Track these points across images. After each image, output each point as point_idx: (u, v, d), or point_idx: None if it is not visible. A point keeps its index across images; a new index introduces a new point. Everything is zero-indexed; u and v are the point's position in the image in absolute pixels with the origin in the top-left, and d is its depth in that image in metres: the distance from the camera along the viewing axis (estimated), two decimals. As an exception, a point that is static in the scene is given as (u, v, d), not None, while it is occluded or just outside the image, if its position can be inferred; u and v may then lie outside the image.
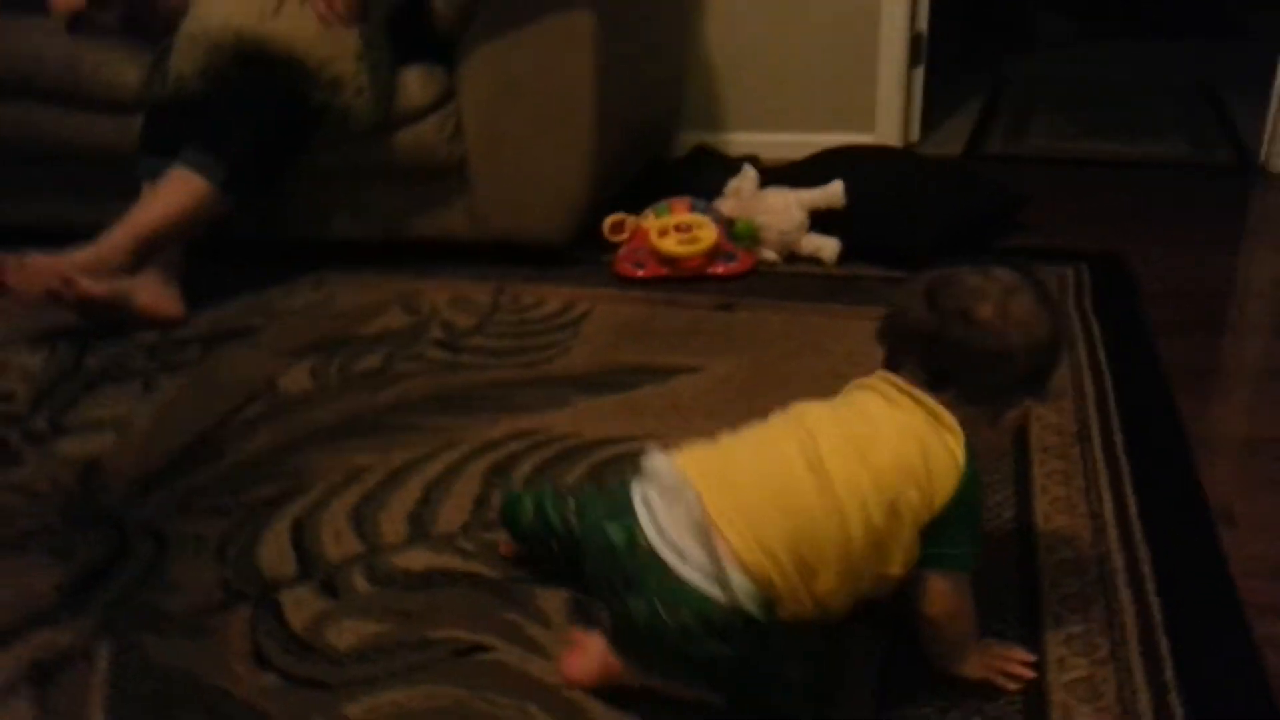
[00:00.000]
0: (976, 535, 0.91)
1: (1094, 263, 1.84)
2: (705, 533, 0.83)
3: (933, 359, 0.90)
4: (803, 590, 0.84)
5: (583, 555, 0.93)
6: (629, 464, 0.95)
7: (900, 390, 0.91)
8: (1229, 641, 0.95)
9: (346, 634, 1.00)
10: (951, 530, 0.87)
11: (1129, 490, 1.17)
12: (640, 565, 0.84)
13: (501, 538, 1.11)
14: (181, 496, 1.25)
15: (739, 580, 0.82)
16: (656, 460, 0.90)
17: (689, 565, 0.83)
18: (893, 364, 0.95)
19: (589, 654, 0.91)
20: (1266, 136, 2.44)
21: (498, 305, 1.79)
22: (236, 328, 1.74)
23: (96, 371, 1.60)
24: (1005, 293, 0.89)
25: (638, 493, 0.89)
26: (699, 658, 0.83)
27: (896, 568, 0.87)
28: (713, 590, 0.82)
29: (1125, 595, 1.00)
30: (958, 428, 0.88)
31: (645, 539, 0.85)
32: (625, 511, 0.87)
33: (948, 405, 0.89)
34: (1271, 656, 0.93)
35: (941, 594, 0.88)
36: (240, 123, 1.76)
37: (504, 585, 1.06)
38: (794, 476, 0.86)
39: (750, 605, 0.82)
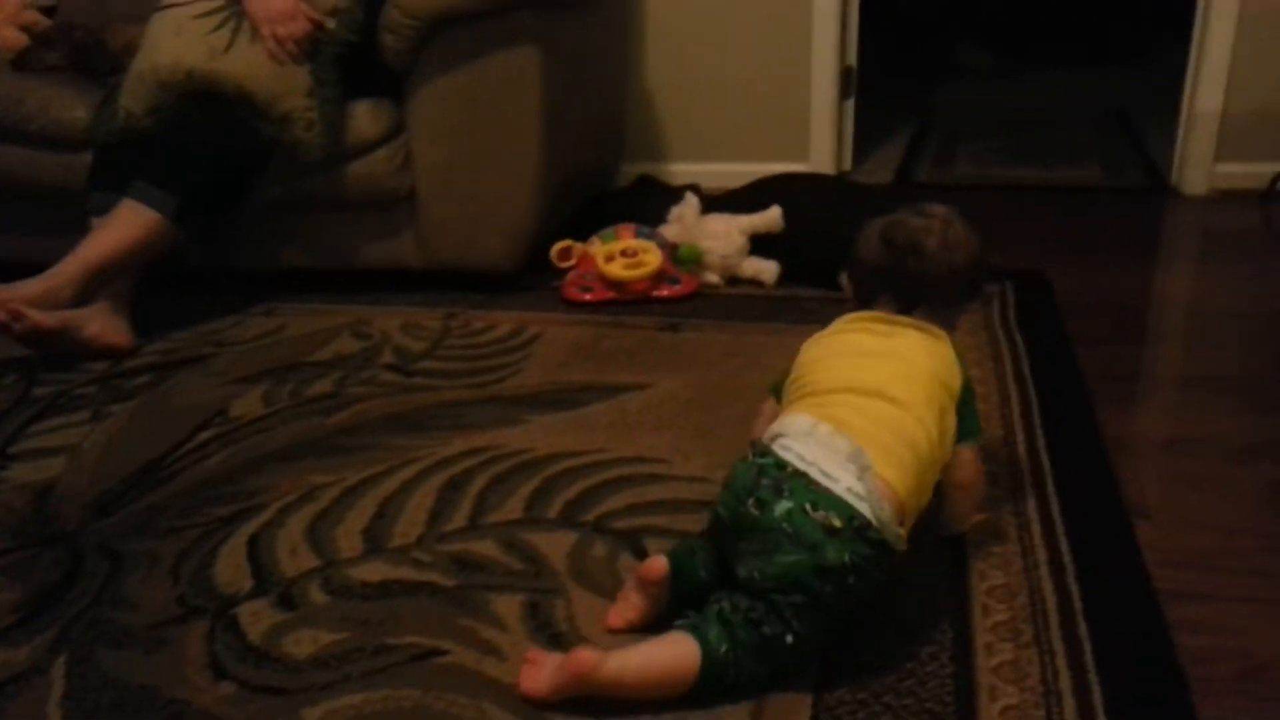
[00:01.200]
0: (977, 411, 1.12)
1: (1017, 280, 1.94)
2: (858, 462, 0.96)
3: (898, 290, 1.11)
4: (913, 511, 0.99)
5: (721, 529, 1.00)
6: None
7: (888, 321, 1.10)
8: (1143, 625, 1.02)
9: (304, 643, 1.02)
10: (966, 410, 1.08)
11: (1051, 489, 1.24)
12: (790, 476, 0.96)
13: (614, 608, 1.04)
14: (136, 517, 1.27)
15: (883, 504, 0.94)
16: (794, 418, 1.02)
17: (839, 485, 0.94)
18: (866, 302, 1.14)
19: (544, 669, 0.94)
20: (1176, 160, 2.58)
21: (449, 330, 1.83)
22: (188, 356, 1.75)
23: (45, 401, 1.61)
24: (944, 225, 1.12)
25: (774, 447, 0.99)
26: (829, 556, 0.92)
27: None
28: (860, 506, 0.93)
29: (1048, 585, 1.07)
30: (941, 331, 1.10)
31: (794, 464, 0.96)
32: (767, 453, 0.99)
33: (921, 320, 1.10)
34: (1182, 637, 1.00)
35: (970, 461, 1.10)
36: (191, 157, 1.79)
37: (460, 593, 1.09)
38: (891, 414, 1.01)
39: (889, 524, 0.95)
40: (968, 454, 1.09)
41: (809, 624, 0.93)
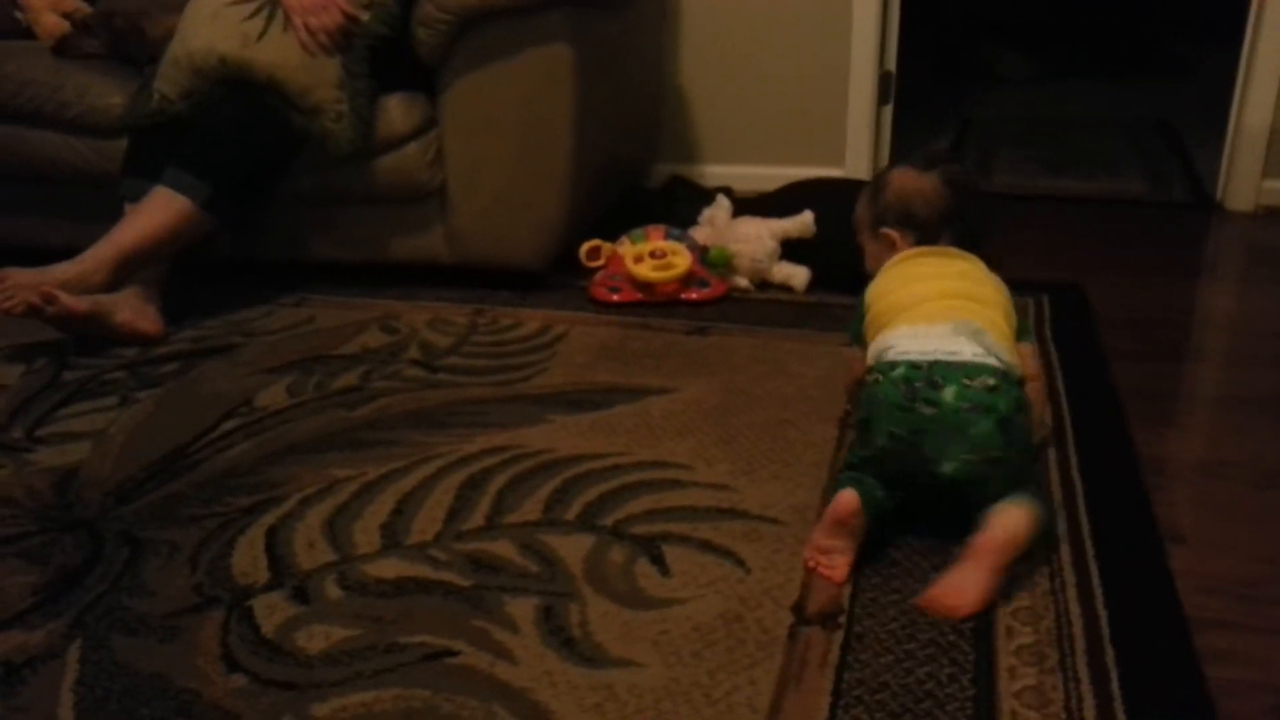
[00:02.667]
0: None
1: (1055, 293, 1.90)
2: (964, 332, 1.14)
3: (957, 228, 1.32)
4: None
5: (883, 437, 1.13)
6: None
7: (942, 254, 1.29)
8: (1172, 654, 0.99)
9: (317, 638, 1.02)
10: (1017, 316, 1.26)
11: (1082, 509, 1.21)
12: (930, 367, 1.11)
13: (825, 567, 1.09)
14: (157, 505, 1.27)
15: (1003, 347, 1.14)
16: (892, 331, 1.18)
17: (966, 353, 1.12)
18: (931, 239, 1.32)
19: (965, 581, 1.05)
20: (1222, 174, 2.52)
21: (475, 327, 1.82)
22: (216, 346, 1.76)
23: (74, 385, 1.62)
24: (968, 168, 1.36)
25: (897, 358, 1.14)
26: (1002, 408, 1.09)
27: None
28: (991, 360, 1.11)
29: (1075, 609, 1.04)
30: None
31: (924, 359, 1.12)
32: (896, 365, 1.13)
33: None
34: (1211, 669, 0.97)
35: (1031, 355, 1.28)
36: (223, 144, 1.80)
37: (474, 593, 1.08)
38: (975, 306, 1.20)
39: (1014, 364, 1.14)
40: (1028, 349, 1.27)
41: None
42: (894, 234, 1.34)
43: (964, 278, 1.25)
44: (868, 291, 1.30)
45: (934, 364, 1.11)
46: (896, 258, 1.31)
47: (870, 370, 1.18)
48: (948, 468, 1.09)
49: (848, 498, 1.08)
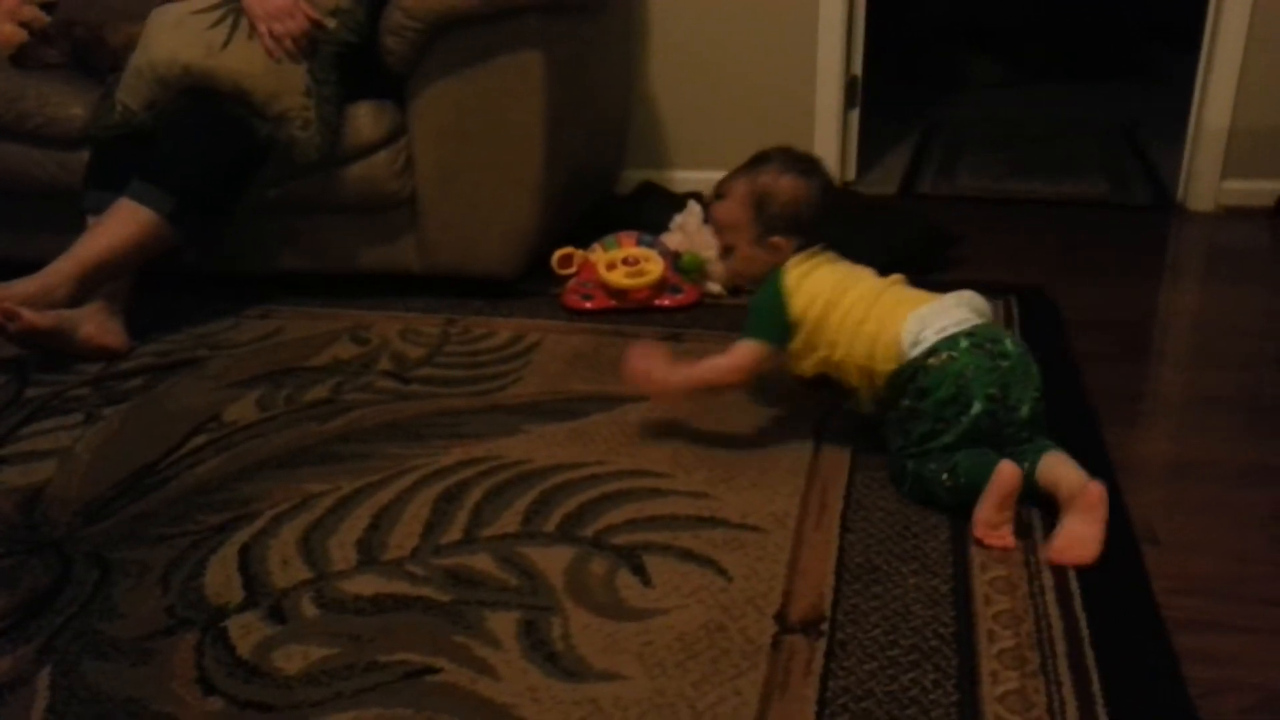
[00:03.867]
0: None
1: (1022, 296, 1.92)
2: (966, 303, 1.29)
3: (827, 230, 1.40)
4: None
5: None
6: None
7: (838, 257, 1.40)
8: (1151, 654, 1.00)
9: (295, 658, 1.00)
10: None
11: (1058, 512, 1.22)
12: (976, 328, 1.25)
13: (998, 539, 1.17)
14: (126, 524, 1.24)
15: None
16: (917, 315, 1.27)
17: (979, 316, 1.27)
18: (812, 242, 1.38)
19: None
20: (1183, 176, 2.56)
21: (448, 337, 1.81)
22: (182, 359, 1.73)
23: (37, 403, 1.58)
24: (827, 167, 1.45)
25: (955, 332, 1.24)
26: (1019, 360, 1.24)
27: None
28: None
29: (1054, 611, 1.05)
30: None
31: (965, 324, 1.25)
32: (956, 339, 1.24)
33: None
34: (1191, 668, 0.98)
35: None
36: (187, 154, 1.77)
37: (454, 609, 1.07)
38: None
39: None
40: None
41: None
42: (783, 242, 1.37)
43: (871, 273, 1.38)
44: (793, 300, 1.33)
45: (976, 327, 1.24)
46: (791, 264, 1.36)
47: (930, 354, 1.23)
48: (1024, 411, 1.22)
49: (1010, 470, 1.15)
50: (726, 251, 1.43)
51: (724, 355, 1.37)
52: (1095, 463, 1.34)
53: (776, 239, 1.37)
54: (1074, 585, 1.09)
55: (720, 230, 1.43)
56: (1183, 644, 1.01)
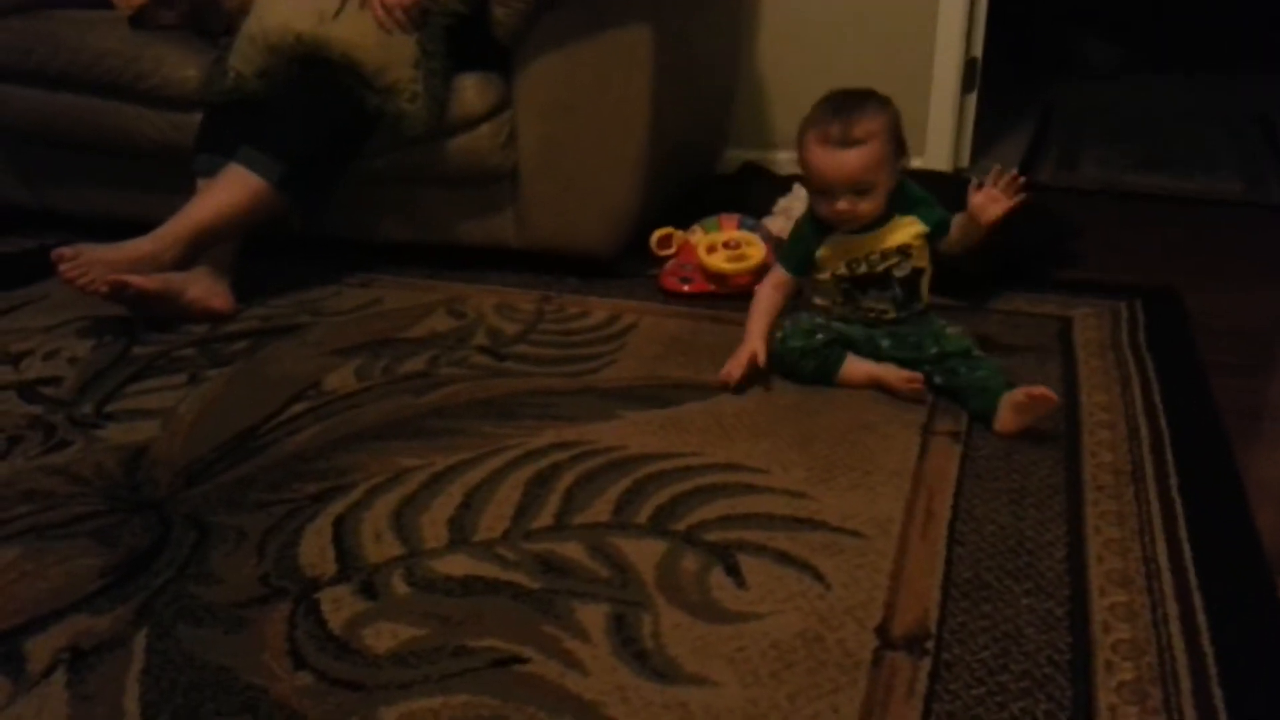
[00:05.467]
0: None
1: (1147, 298, 1.81)
2: None
3: None
4: None
5: None
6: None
7: None
8: (1285, 697, 0.93)
9: (384, 636, 1.00)
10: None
11: (1183, 535, 1.14)
12: None
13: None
14: (225, 489, 1.26)
15: None
16: None
17: None
18: None
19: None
20: (1328, 178, 2.39)
21: (543, 314, 1.79)
22: (284, 325, 1.75)
23: (143, 361, 1.62)
24: None
25: None
26: None
27: None
28: None
29: (1179, 644, 0.98)
30: None
31: None
32: None
33: None
34: (1330, 715, 0.90)
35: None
36: (297, 123, 1.78)
37: (544, 597, 1.05)
38: None
39: None
40: None
41: None
42: (901, 163, 1.46)
43: None
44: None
45: None
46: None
47: None
48: None
49: (1046, 390, 1.32)
50: (860, 195, 1.40)
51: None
52: (1226, 485, 1.26)
53: (902, 160, 1.43)
54: (1201, 617, 1.01)
55: (864, 175, 1.39)
56: (1323, 690, 0.93)
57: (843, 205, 1.40)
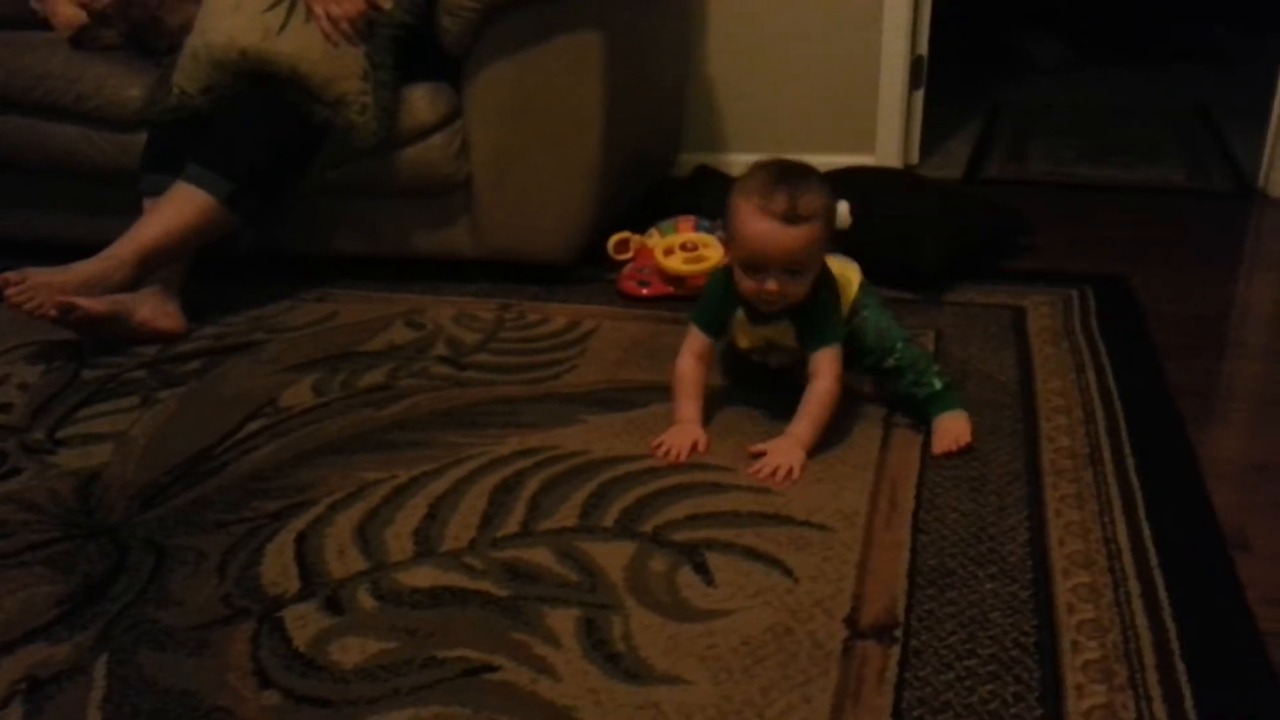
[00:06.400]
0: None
1: (1098, 286, 1.84)
2: None
3: None
4: None
5: None
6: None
7: None
8: (1247, 671, 0.94)
9: (352, 651, 0.98)
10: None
11: (1142, 515, 1.16)
12: None
13: None
14: (182, 510, 1.23)
15: None
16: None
17: None
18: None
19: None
20: (1265, 162, 2.45)
21: (502, 322, 1.78)
22: (239, 342, 1.72)
23: (94, 385, 1.59)
24: None
25: None
26: None
27: None
28: None
29: (1142, 621, 0.99)
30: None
31: None
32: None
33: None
34: (1290, 683, 0.92)
35: None
36: (244, 138, 1.75)
37: (513, 604, 1.04)
38: None
39: None
40: None
41: None
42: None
43: None
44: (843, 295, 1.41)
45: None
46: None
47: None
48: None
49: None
50: (792, 276, 1.27)
51: (819, 378, 1.30)
52: (1182, 465, 1.28)
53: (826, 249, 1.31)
54: (1162, 594, 1.03)
55: (804, 254, 1.26)
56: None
57: (773, 285, 1.26)
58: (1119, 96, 3.66)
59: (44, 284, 1.60)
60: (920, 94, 2.63)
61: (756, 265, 1.26)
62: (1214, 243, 2.18)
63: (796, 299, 1.30)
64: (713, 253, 1.85)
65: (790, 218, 1.23)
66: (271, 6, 1.77)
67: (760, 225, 1.24)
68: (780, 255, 1.24)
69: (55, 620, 1.04)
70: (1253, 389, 1.57)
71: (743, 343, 1.42)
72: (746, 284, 1.29)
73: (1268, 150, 2.44)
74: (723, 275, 1.36)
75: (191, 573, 1.11)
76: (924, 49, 2.59)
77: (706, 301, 1.40)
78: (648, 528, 1.16)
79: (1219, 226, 2.29)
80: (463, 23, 1.78)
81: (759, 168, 1.29)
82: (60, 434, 1.44)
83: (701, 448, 1.33)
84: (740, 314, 1.37)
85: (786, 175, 1.26)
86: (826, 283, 1.35)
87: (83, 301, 1.60)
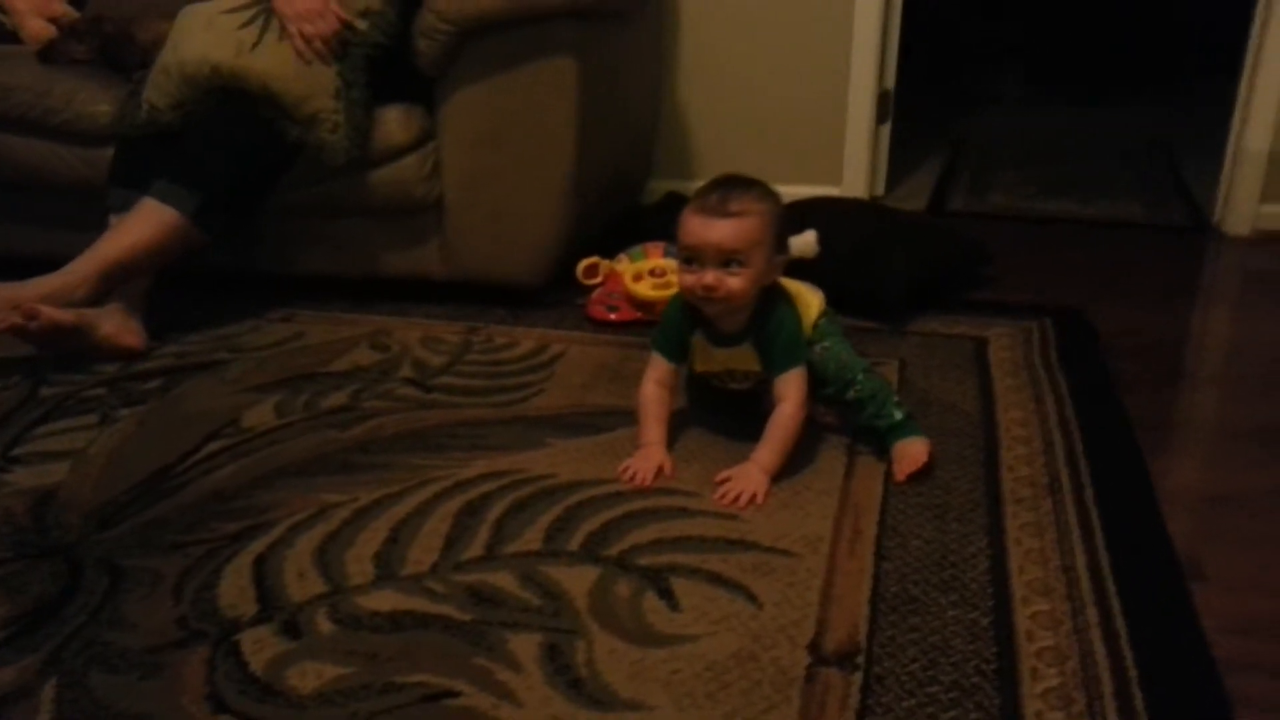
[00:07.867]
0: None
1: (1056, 317, 1.87)
2: None
3: None
4: None
5: None
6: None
7: None
8: (1204, 700, 0.95)
9: (309, 676, 0.97)
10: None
11: (1100, 544, 1.18)
12: None
13: None
14: (139, 531, 1.21)
15: None
16: None
17: None
18: None
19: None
20: (1220, 198, 2.51)
21: (469, 345, 1.78)
22: (201, 361, 1.70)
23: (52, 402, 1.56)
24: None
25: None
26: None
27: None
28: None
29: (1100, 649, 1.00)
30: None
31: None
32: None
33: None
34: (1244, 713, 0.93)
35: None
36: (214, 155, 1.74)
37: (475, 629, 1.03)
38: None
39: None
40: None
41: None
42: (780, 260, 1.36)
43: None
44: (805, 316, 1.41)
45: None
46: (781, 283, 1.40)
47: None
48: None
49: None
50: (728, 270, 1.29)
51: (785, 402, 1.32)
52: (1139, 494, 1.30)
53: (780, 257, 1.34)
54: (1120, 622, 1.04)
55: (734, 244, 1.28)
56: (1236, 687, 0.96)
57: (710, 278, 1.28)
58: (1079, 132, 3.74)
59: (3, 298, 1.58)
60: (887, 127, 2.67)
61: (691, 257, 1.31)
62: (1171, 276, 2.23)
63: (738, 297, 1.30)
64: (681, 279, 1.86)
65: (721, 211, 1.29)
66: (245, 24, 1.77)
67: (693, 219, 1.30)
68: (711, 245, 1.28)
69: (2, 643, 1.02)
70: (1209, 420, 1.60)
71: (699, 367, 1.43)
72: (686, 278, 1.32)
73: (1223, 186, 2.50)
74: (679, 299, 1.38)
75: (147, 594, 1.09)
76: (891, 83, 2.64)
77: (665, 326, 1.42)
78: (613, 552, 1.16)
79: (1176, 260, 2.34)
80: (438, 45, 1.79)
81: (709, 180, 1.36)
82: (16, 451, 1.41)
83: (668, 472, 1.33)
84: (700, 337, 1.38)
85: (726, 181, 1.33)
86: (787, 301, 1.37)
87: (46, 309, 1.58)
